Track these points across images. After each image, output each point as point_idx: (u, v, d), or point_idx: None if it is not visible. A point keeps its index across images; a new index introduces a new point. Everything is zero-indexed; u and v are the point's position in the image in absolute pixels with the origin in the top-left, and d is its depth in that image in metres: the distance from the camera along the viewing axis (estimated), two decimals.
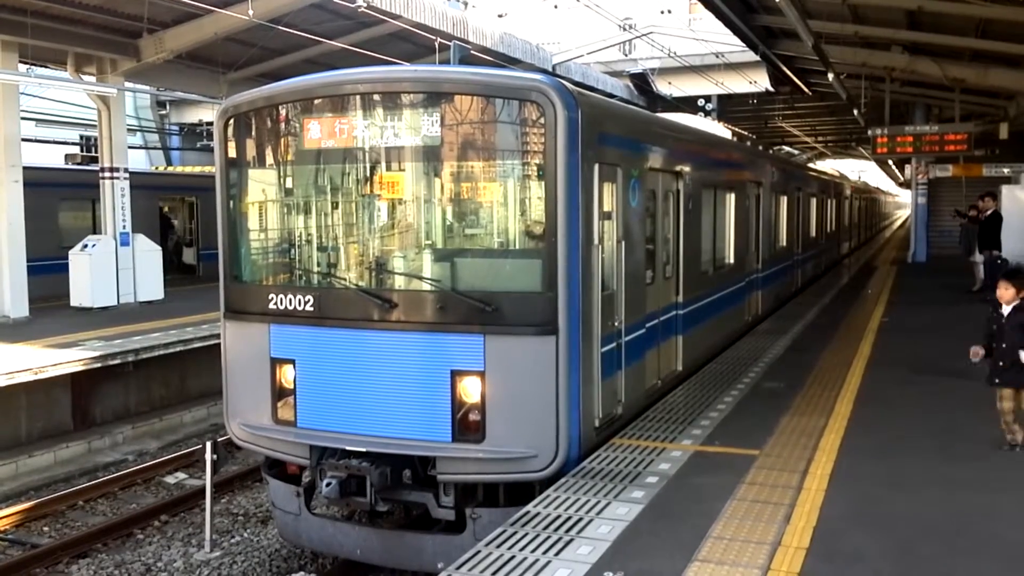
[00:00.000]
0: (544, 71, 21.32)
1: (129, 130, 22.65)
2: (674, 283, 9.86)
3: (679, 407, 8.88)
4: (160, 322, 15.75)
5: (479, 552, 5.46)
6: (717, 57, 27.65)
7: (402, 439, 7.01)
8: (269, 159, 8.17)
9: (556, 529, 5.76)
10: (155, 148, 34.79)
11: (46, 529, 10.03)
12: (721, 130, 16.17)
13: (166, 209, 26.50)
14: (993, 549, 5.39)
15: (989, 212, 17.89)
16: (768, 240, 15.44)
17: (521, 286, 7.16)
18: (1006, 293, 7.09)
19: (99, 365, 12.80)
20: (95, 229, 19.67)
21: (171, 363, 14.37)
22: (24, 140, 17.08)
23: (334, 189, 7.81)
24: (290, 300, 7.43)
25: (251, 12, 14.73)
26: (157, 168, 32.52)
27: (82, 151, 26.01)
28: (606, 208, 7.63)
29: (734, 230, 12.85)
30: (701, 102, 30.23)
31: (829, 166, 40.78)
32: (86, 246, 17.63)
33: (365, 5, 15.27)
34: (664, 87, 31.12)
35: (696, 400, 9.18)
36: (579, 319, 6.96)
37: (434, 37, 17.55)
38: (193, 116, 33.18)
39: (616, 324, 7.87)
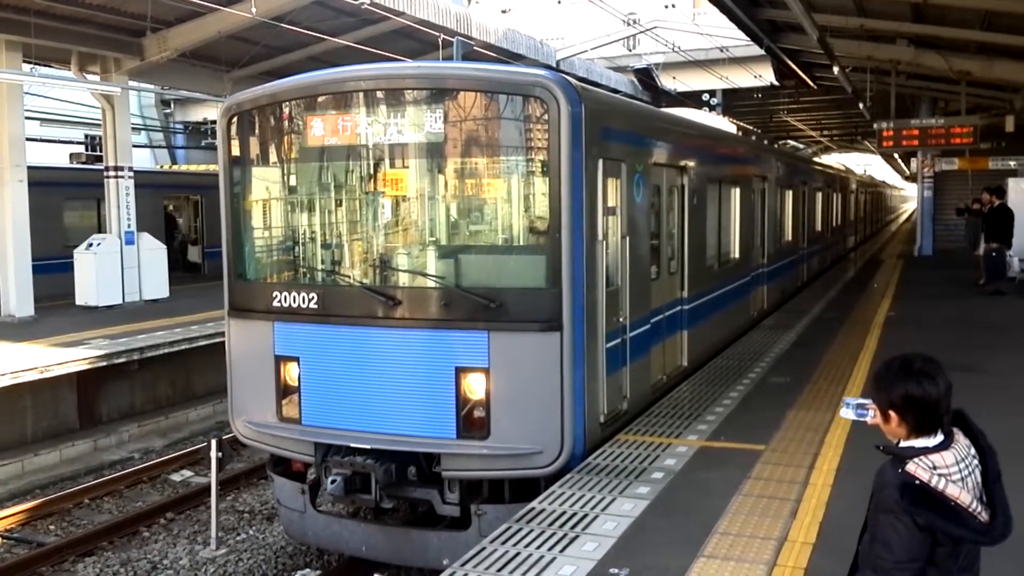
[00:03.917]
0: (548, 67, 21.28)
1: (133, 129, 22.61)
2: (679, 278, 9.83)
3: (684, 402, 8.85)
4: (165, 320, 15.76)
5: (484, 549, 5.45)
6: (721, 52, 27.57)
7: (407, 436, 7.00)
8: (272, 157, 8.17)
9: (561, 526, 5.75)
10: (160, 147, 34.82)
11: (52, 527, 10.04)
12: (726, 125, 16.11)
13: (171, 208, 26.51)
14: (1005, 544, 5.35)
15: (995, 205, 17.88)
16: (773, 235, 15.39)
17: (525, 282, 7.15)
18: (892, 427, 3.11)
19: (104, 364, 12.80)
20: (100, 228, 19.68)
21: (176, 361, 14.37)
22: (28, 139, 17.06)
23: (338, 186, 7.80)
24: (294, 298, 7.42)
25: (254, 10, 14.71)
26: (162, 167, 32.54)
27: (87, 150, 26.08)
28: (610, 203, 7.61)
29: (739, 225, 12.82)
30: (706, 97, 30.12)
31: (835, 160, 40.64)
32: (91, 245, 17.63)
33: (368, 2, 15.23)
34: (668, 82, 31.05)
35: (701, 395, 9.15)
36: (583, 315, 6.94)
37: (437, 33, 17.51)
38: (197, 114, 33.19)
39: (621, 320, 7.85)
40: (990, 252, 17.58)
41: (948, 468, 2.92)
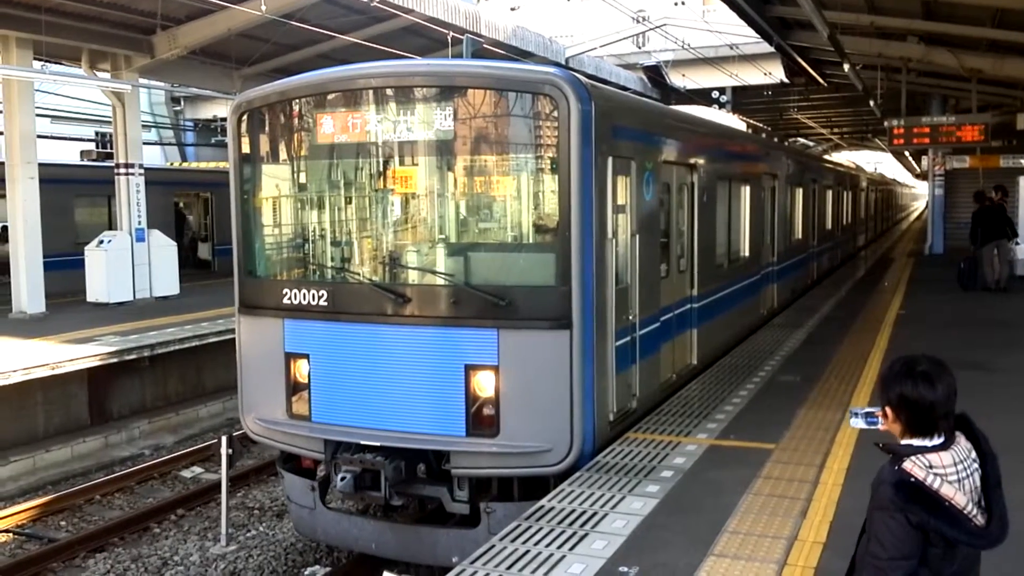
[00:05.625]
0: (557, 64, 21.25)
1: (144, 126, 22.71)
2: (688, 276, 9.82)
3: (694, 401, 8.84)
4: (176, 317, 15.81)
5: (493, 546, 5.45)
6: (731, 49, 27.48)
7: (416, 433, 7.00)
8: (282, 154, 8.18)
9: (571, 524, 5.75)
10: (170, 144, 34.96)
11: (63, 523, 10.09)
12: (736, 122, 16.07)
13: (181, 205, 26.60)
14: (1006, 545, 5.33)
15: (983, 206, 17.97)
16: (783, 232, 15.35)
17: (535, 280, 7.14)
18: (889, 423, 3.15)
19: (115, 360, 12.86)
20: (111, 225, 19.76)
21: (187, 358, 14.42)
22: (39, 137, 17.13)
23: (347, 184, 7.82)
24: (304, 295, 7.44)
25: (264, 8, 14.74)
26: (172, 164, 32.65)
27: (97, 147, 26.17)
28: (620, 201, 7.59)
29: (749, 223, 12.78)
30: (715, 94, 30.06)
31: (845, 158, 40.50)
32: (102, 242, 17.70)
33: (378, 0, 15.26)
34: (678, 79, 30.97)
35: (711, 394, 9.14)
36: (593, 313, 6.93)
37: (447, 31, 17.51)
38: (207, 112, 33.29)
39: (630, 318, 7.84)
40: (969, 257, 17.98)
41: (945, 468, 2.93)
